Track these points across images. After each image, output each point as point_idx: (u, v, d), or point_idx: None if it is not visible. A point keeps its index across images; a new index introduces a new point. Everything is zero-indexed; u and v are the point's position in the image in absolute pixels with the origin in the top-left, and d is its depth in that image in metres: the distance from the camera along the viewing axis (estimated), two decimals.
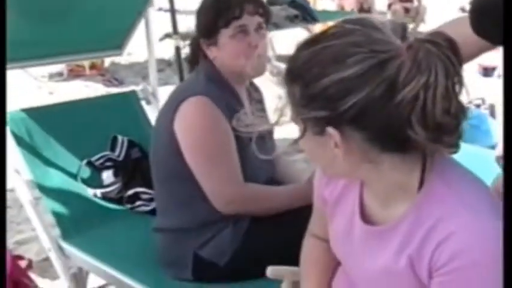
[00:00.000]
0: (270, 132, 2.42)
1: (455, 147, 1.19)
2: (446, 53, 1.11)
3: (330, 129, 1.14)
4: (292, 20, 6.69)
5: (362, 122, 1.12)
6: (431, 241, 1.20)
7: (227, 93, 2.27)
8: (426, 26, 11.54)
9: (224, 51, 2.26)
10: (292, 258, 1.72)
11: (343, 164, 1.20)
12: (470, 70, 7.44)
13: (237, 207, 2.23)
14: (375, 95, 1.09)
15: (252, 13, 2.24)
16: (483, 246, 1.16)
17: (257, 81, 2.44)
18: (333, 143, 1.16)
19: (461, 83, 1.14)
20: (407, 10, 11.76)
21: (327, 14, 8.16)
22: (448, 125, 1.12)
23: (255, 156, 2.26)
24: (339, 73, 1.10)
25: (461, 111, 1.14)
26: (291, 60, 1.18)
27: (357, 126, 1.13)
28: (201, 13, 2.31)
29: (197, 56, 2.36)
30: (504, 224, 1.12)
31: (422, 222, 1.22)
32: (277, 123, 1.25)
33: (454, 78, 1.12)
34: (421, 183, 1.22)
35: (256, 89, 2.45)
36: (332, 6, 12.33)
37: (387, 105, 1.09)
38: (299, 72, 1.16)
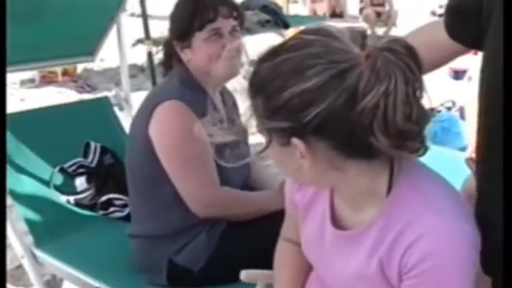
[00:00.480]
0: (245, 138, 2.43)
1: (419, 151, 1.20)
2: (404, 60, 1.12)
3: (295, 140, 1.16)
4: (263, 25, 6.70)
5: (325, 132, 1.13)
6: (400, 244, 1.21)
7: (201, 97, 2.27)
8: (398, 30, 11.64)
9: (198, 54, 2.26)
10: (266, 263, 1.73)
11: (310, 173, 1.21)
12: (440, 73, 7.50)
13: (214, 211, 2.24)
14: (336, 105, 1.10)
15: (226, 16, 2.25)
16: (451, 248, 1.17)
17: (228, 86, 2.44)
18: (299, 153, 1.17)
19: (421, 88, 1.15)
20: (378, 14, 11.85)
21: (299, 19, 8.19)
22: (410, 131, 1.13)
23: (229, 161, 2.28)
24: (300, 85, 1.11)
25: (422, 116, 1.15)
26: (252, 73, 1.19)
27: (321, 135, 1.14)
28: (175, 16, 2.31)
29: (171, 60, 2.36)
30: (504, 224, 1.14)
31: (392, 225, 1.23)
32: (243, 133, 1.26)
33: (414, 85, 1.13)
34: (389, 187, 1.24)
35: (229, 94, 2.46)
36: (304, 11, 12.40)
37: (349, 114, 1.10)
38: (261, 86, 1.17)
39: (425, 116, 1.17)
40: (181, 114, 2.17)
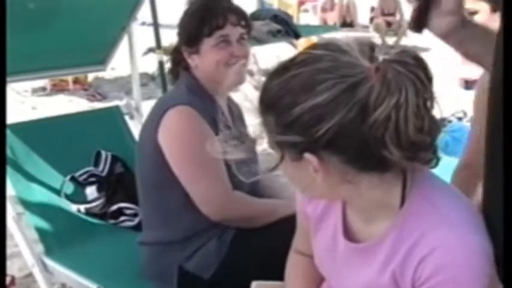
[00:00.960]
0: (252, 143, 2.43)
1: (432, 162, 1.20)
2: (414, 72, 1.12)
3: (307, 155, 1.16)
4: (274, 35, 6.71)
5: (337, 146, 1.13)
6: (413, 257, 1.21)
7: (208, 104, 2.29)
8: (409, 40, 11.63)
9: (206, 60, 2.27)
10: (277, 271, 1.72)
11: (323, 187, 1.21)
12: (451, 83, 7.49)
13: (226, 213, 2.24)
14: (347, 119, 1.10)
15: (234, 24, 2.27)
16: (464, 260, 1.17)
17: (240, 95, 2.45)
18: (312, 168, 1.17)
19: (432, 99, 1.15)
20: (389, 24, 11.86)
21: (309, 29, 8.21)
22: (422, 142, 1.13)
23: (237, 167, 2.28)
24: (310, 101, 1.11)
25: (434, 127, 1.16)
26: (263, 90, 1.20)
27: (333, 150, 1.14)
28: (184, 21, 2.33)
29: (178, 67, 2.38)
30: (504, 224, 1.13)
31: (405, 238, 1.23)
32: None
33: (425, 96, 1.13)
34: (402, 200, 1.24)
35: (235, 104, 2.47)
36: (315, 21, 12.41)
37: (361, 127, 1.10)
38: (271, 102, 1.17)
39: (437, 126, 1.17)
40: (190, 119, 2.18)
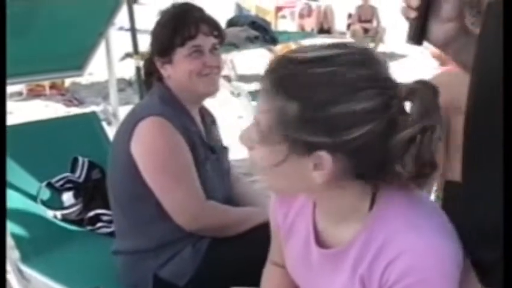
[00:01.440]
0: (225, 153, 2.45)
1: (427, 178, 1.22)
2: (435, 100, 1.15)
3: (323, 153, 1.15)
4: (252, 41, 6.72)
5: (358, 153, 1.15)
6: (380, 261, 1.22)
7: (181, 114, 2.28)
8: (386, 46, 11.71)
9: (178, 70, 2.27)
10: (252, 279, 1.72)
11: (309, 185, 1.21)
12: None
13: (201, 223, 2.23)
14: (377, 131, 1.12)
15: (207, 34, 2.28)
16: (433, 263, 1.17)
17: (216, 102, 2.46)
18: (314, 165, 1.17)
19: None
20: (366, 30, 11.93)
21: (287, 35, 8.22)
22: (434, 162, 1.17)
23: (211, 176, 2.29)
24: (350, 105, 1.12)
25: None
26: (290, 73, 1.15)
27: (353, 156, 1.15)
28: (156, 31, 2.33)
29: (151, 77, 2.38)
30: (504, 224, 1.14)
31: (372, 242, 1.24)
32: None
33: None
34: (372, 204, 1.25)
35: (208, 112, 2.47)
36: (293, 27, 12.46)
37: (386, 141, 1.13)
38: (301, 90, 1.14)
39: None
40: (163, 130, 2.17)
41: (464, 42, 1.38)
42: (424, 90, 1.15)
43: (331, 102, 1.12)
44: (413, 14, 1.34)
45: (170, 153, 2.18)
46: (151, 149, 2.19)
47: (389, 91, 1.13)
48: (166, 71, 2.30)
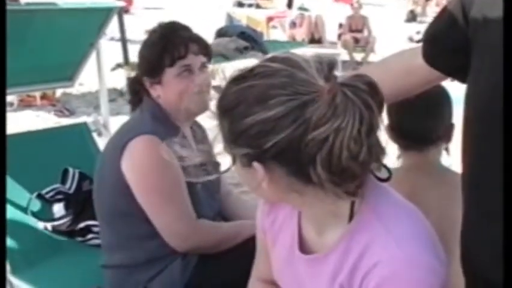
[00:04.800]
0: (216, 167, 2.44)
1: (353, 195, 1.22)
2: (363, 98, 1.13)
3: (255, 164, 1.18)
4: (241, 52, 6.73)
5: (283, 159, 1.15)
6: (359, 270, 1.23)
7: (172, 132, 2.26)
8: (377, 56, 11.75)
9: (168, 90, 2.26)
10: None
11: (270, 193, 1.23)
12: None
13: (192, 244, 2.23)
14: (295, 135, 1.12)
15: (196, 53, 2.27)
16: (409, 274, 1.18)
17: (206, 112, 2.45)
18: (259, 175, 1.19)
19: (378, 126, 1.17)
20: (357, 40, 11.95)
21: (277, 45, 8.26)
22: (352, 171, 1.15)
23: (201, 193, 2.28)
24: (262, 114, 1.13)
25: (373, 156, 1.17)
26: (221, 95, 1.22)
27: (279, 162, 1.16)
28: (144, 52, 2.31)
29: (139, 95, 2.36)
30: (504, 226, 1.14)
31: (351, 251, 1.25)
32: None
33: (371, 122, 1.14)
34: (351, 212, 1.25)
35: (199, 127, 2.46)
36: (284, 37, 12.48)
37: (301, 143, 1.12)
38: (227, 109, 1.19)
39: (377, 154, 1.19)
40: (154, 149, 2.14)
41: None
42: (349, 89, 1.13)
43: (246, 114, 1.15)
44: None
45: (161, 172, 2.17)
46: (143, 168, 2.18)
47: (305, 95, 1.12)
48: (156, 91, 2.29)
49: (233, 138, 1.19)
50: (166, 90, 2.27)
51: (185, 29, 2.32)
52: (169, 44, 2.24)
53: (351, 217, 1.26)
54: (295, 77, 1.14)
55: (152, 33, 2.32)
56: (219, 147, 1.24)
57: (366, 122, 1.12)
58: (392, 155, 1.92)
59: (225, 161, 1.27)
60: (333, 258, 1.28)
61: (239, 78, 1.19)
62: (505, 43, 1.17)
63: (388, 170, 1.25)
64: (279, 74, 1.15)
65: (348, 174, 1.15)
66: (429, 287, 1.19)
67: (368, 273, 1.21)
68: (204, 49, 2.31)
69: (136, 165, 2.17)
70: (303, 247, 1.39)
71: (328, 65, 1.16)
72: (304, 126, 1.11)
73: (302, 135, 1.11)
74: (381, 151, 1.20)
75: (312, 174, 1.14)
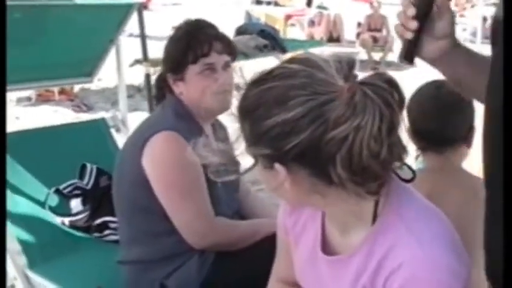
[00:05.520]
0: (236, 167, 2.43)
1: (376, 195, 1.21)
2: (383, 96, 1.12)
3: (277, 165, 1.17)
4: (261, 50, 6.73)
5: (305, 160, 1.15)
6: (382, 272, 1.23)
7: (194, 129, 2.27)
8: (395, 55, 11.69)
9: (190, 87, 2.26)
10: None
11: (291, 193, 1.22)
12: None
13: (210, 241, 2.23)
14: (315, 135, 1.11)
15: (220, 52, 2.27)
16: (430, 276, 1.17)
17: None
18: (281, 176, 1.18)
19: (399, 124, 1.16)
20: (375, 39, 11.91)
21: (296, 43, 8.24)
22: (374, 169, 1.14)
23: (220, 192, 2.28)
24: (282, 115, 1.12)
25: (394, 154, 1.16)
26: (242, 98, 1.22)
27: (301, 163, 1.16)
28: (169, 48, 2.32)
29: (163, 91, 2.36)
30: (504, 227, 1.13)
31: (375, 253, 1.24)
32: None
33: (392, 120, 1.13)
34: (375, 213, 1.25)
35: (221, 126, 2.46)
36: (302, 35, 12.47)
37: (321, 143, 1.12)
38: (248, 111, 1.19)
39: (398, 153, 1.18)
40: (176, 146, 2.16)
41: (455, 55, 1.40)
42: (369, 87, 1.12)
43: (266, 116, 1.15)
44: (409, 35, 1.35)
45: (182, 169, 2.17)
46: (164, 165, 2.18)
47: (324, 95, 1.11)
48: (178, 87, 2.29)
49: (254, 140, 1.18)
50: (189, 88, 2.27)
51: (211, 27, 2.32)
52: (193, 41, 2.24)
53: (374, 218, 1.25)
54: (314, 77, 1.13)
55: (177, 29, 2.33)
56: (240, 147, 1.24)
57: (386, 120, 1.11)
58: (411, 156, 1.90)
59: (245, 161, 1.26)
60: (357, 260, 1.27)
61: (259, 80, 1.19)
62: (505, 43, 1.16)
63: (412, 170, 1.24)
64: (298, 74, 1.15)
65: (369, 174, 1.14)
66: (448, 285, 1.18)
67: (391, 275, 1.20)
68: (228, 48, 2.31)
69: (156, 161, 2.17)
70: (326, 248, 1.38)
71: (347, 64, 1.16)
72: (324, 126, 1.10)
73: (322, 134, 1.10)
74: (402, 150, 1.19)
75: (332, 174, 1.13)
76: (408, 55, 1.40)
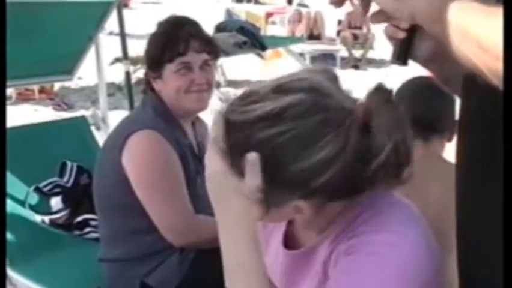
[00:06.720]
0: None
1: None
2: (396, 108, 1.13)
3: (299, 202, 1.12)
4: (241, 47, 6.70)
5: (333, 191, 1.11)
6: (337, 247, 1.19)
7: (173, 127, 2.28)
8: (375, 53, 11.75)
9: (167, 85, 2.26)
10: None
11: (286, 218, 1.22)
12: None
13: (190, 239, 2.23)
14: (346, 166, 1.07)
15: (198, 50, 2.26)
16: (385, 240, 1.13)
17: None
18: (294, 210, 1.14)
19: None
20: (356, 37, 11.95)
21: (276, 40, 8.22)
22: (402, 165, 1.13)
23: (200, 189, 2.28)
24: (310, 158, 1.06)
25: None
26: (243, 135, 1.09)
27: (329, 193, 1.12)
28: (149, 45, 2.32)
29: (149, 86, 2.37)
30: (504, 226, 1.13)
31: (340, 243, 1.19)
32: None
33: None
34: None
35: (201, 122, 2.46)
36: (283, 33, 12.47)
37: (362, 171, 1.09)
38: (258, 153, 1.08)
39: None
40: (156, 144, 2.16)
41: (447, 54, 1.39)
42: (379, 103, 1.10)
43: (290, 161, 1.07)
44: (401, 35, 1.34)
45: (162, 168, 2.18)
46: (144, 163, 2.18)
47: (344, 125, 1.07)
48: (157, 85, 2.29)
49: (271, 188, 1.09)
50: (165, 86, 2.27)
51: (192, 24, 2.30)
52: (170, 40, 2.24)
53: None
54: (329, 108, 1.08)
55: (159, 26, 2.33)
56: None
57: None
58: None
59: None
60: (321, 253, 1.24)
61: (270, 118, 1.07)
62: (505, 43, 1.17)
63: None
64: (314, 110, 1.07)
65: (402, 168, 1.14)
66: (398, 264, 1.12)
67: (341, 245, 1.17)
68: (208, 47, 2.30)
69: (136, 159, 2.18)
70: (290, 243, 1.36)
71: (336, 78, 1.15)
72: (355, 155, 1.07)
73: (356, 163, 1.08)
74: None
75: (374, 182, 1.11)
76: (402, 56, 1.38)
